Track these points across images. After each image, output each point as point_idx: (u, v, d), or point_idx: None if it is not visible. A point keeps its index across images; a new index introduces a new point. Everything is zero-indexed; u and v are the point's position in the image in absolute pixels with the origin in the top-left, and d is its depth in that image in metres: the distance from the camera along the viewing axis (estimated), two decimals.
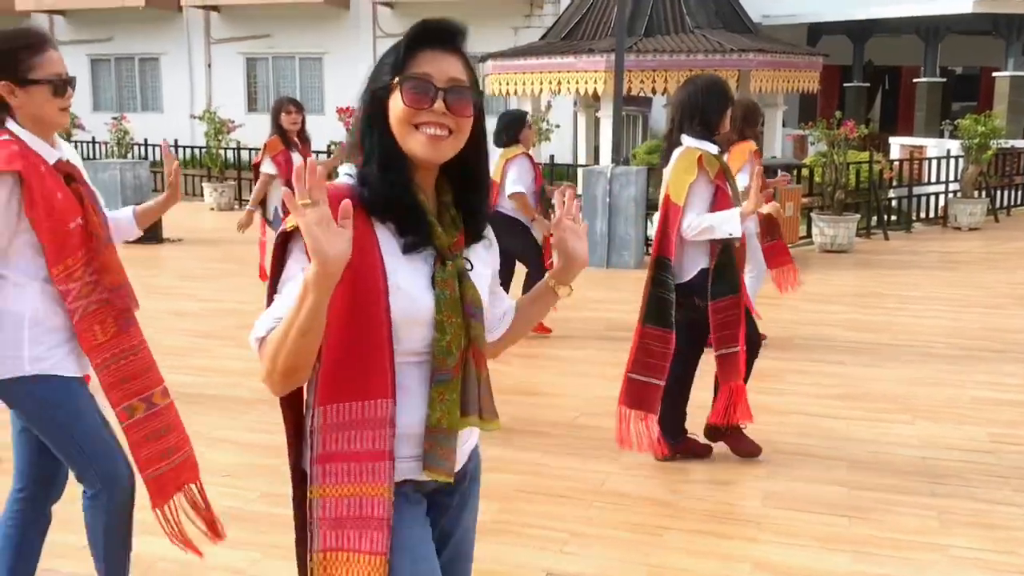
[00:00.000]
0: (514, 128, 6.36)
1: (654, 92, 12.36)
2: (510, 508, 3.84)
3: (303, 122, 6.75)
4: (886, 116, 22.47)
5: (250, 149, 15.67)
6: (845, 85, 19.87)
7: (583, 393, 5.43)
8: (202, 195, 15.90)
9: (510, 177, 6.22)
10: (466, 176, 1.69)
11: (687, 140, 4.05)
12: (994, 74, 17.91)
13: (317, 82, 22.89)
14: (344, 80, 21.99)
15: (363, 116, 1.64)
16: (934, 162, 12.92)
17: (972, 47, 20.02)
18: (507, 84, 13.10)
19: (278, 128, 6.66)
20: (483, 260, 1.78)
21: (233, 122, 15.55)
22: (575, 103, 15.96)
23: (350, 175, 1.66)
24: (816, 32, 19.11)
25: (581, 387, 5.56)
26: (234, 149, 15.75)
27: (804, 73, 13.04)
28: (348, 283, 1.50)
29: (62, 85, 2.46)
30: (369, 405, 1.57)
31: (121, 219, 2.79)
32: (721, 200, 4.00)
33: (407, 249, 1.60)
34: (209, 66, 23.55)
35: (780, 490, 4.04)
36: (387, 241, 1.60)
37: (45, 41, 2.46)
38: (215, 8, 22.92)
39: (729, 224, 3.93)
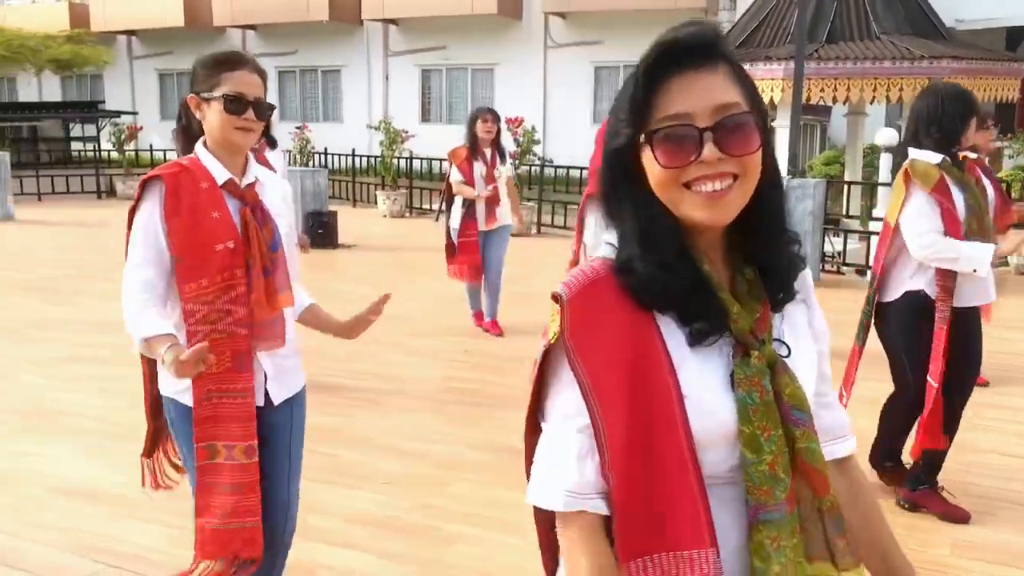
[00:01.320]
0: None
1: (835, 101, 11.75)
2: None
3: (498, 132, 6.87)
4: None
5: (422, 159, 16.08)
6: None
7: None
8: (375, 203, 16.40)
9: None
10: (761, 222, 1.23)
11: (912, 152, 3.72)
12: None
13: (488, 92, 23.23)
14: (515, 90, 22.24)
15: (606, 179, 1.23)
16: None
17: None
18: None
19: (472, 136, 6.81)
20: (802, 330, 1.32)
21: (407, 132, 15.96)
22: None
23: (612, 245, 1.24)
24: (1016, 36, 17.72)
25: None
26: (407, 158, 16.15)
27: (1002, 80, 12.06)
28: (626, 395, 1.14)
29: (236, 102, 2.37)
30: (683, 558, 1.13)
31: (299, 294, 2.66)
32: (945, 219, 3.60)
33: (695, 340, 1.18)
34: (386, 78, 24.36)
35: (973, 539, 3.66)
36: (671, 333, 1.18)
37: (238, 62, 2.41)
38: (393, 21, 23.71)
39: (977, 261, 3.52)
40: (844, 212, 11.35)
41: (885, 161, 12.04)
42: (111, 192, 19.24)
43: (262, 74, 2.45)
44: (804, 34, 9.81)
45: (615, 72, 22.09)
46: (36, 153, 21.44)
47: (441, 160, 16.36)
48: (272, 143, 5.39)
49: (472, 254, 6.87)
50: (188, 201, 2.34)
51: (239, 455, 2.39)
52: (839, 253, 10.33)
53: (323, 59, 25.03)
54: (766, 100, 11.83)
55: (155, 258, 2.34)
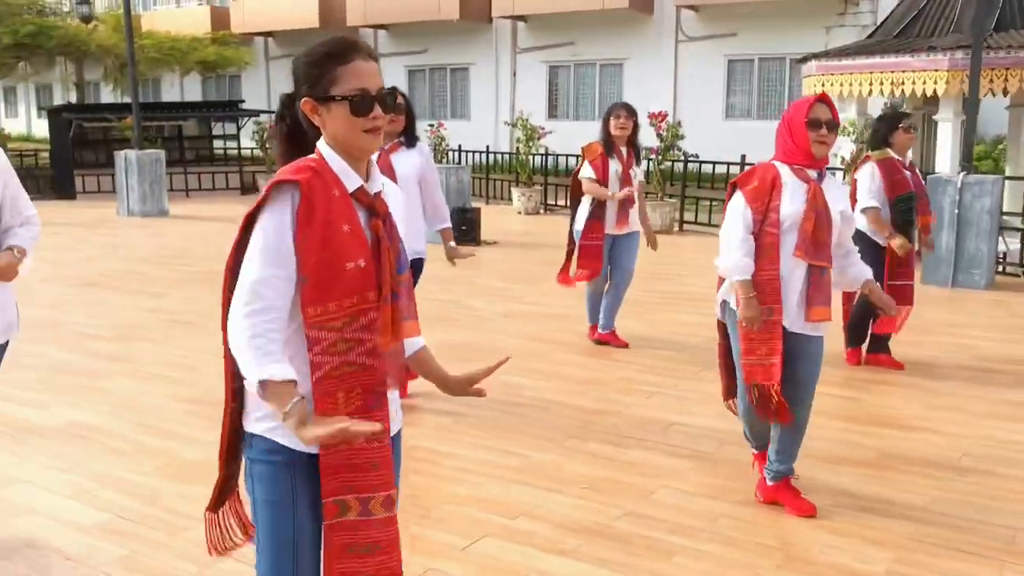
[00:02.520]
0: (883, 128, 5.87)
1: (1005, 93, 11.08)
2: (907, 559, 3.42)
3: (634, 129, 6.46)
4: None
5: (556, 155, 16.00)
6: None
7: (962, 431, 4.83)
8: (509, 199, 16.41)
9: (860, 188, 5.75)
10: None
11: None
12: None
13: (616, 88, 22.99)
14: (644, 86, 21.93)
15: None
16: None
17: None
18: (830, 86, 12.32)
19: (605, 134, 6.43)
20: None
21: (543, 128, 15.90)
22: (887, 104, 14.76)
23: None
24: None
25: (957, 423, 4.96)
26: (542, 155, 16.10)
27: None
28: None
29: (361, 101, 2.01)
30: None
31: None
32: None
33: None
34: (514, 74, 24.40)
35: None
36: None
37: (351, 50, 2.04)
38: (523, 18, 23.72)
39: None
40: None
41: None
42: (254, 188, 19.89)
43: (376, 58, 2.10)
44: (981, 22, 9.26)
45: (749, 65, 21.53)
46: (181, 151, 22.32)
47: (570, 156, 16.29)
48: (412, 140, 5.14)
49: (595, 260, 6.37)
50: (322, 211, 1.98)
51: (377, 508, 2.03)
52: (1007, 254, 9.75)
53: (452, 57, 25.27)
54: (928, 92, 11.26)
55: (283, 276, 1.96)
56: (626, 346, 6.52)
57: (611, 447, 4.59)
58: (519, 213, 15.77)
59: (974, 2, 10.23)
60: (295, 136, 2.14)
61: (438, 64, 25.66)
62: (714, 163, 13.56)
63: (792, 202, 3.57)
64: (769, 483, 3.88)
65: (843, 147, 11.50)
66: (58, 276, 9.47)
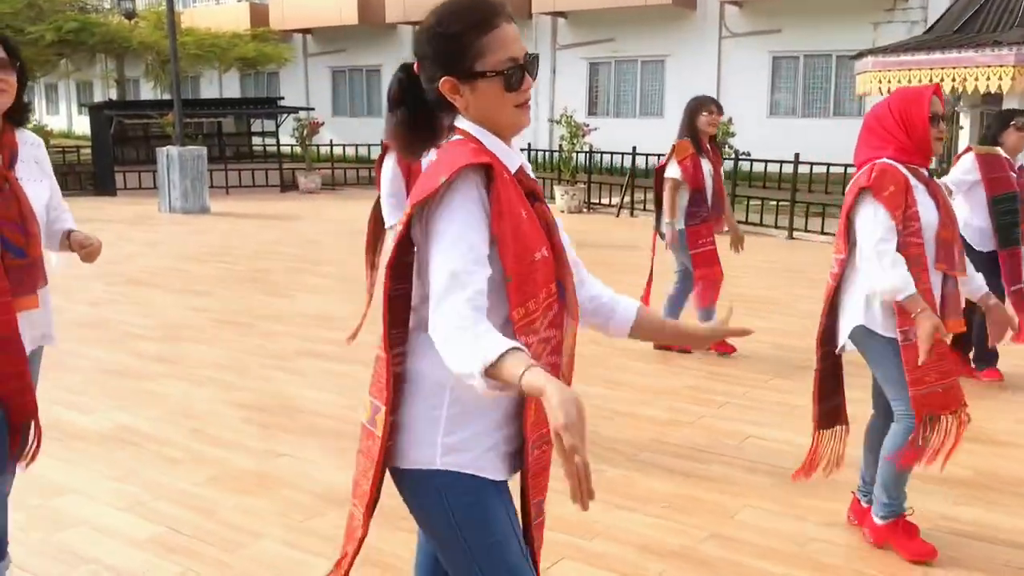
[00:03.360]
0: (994, 126, 5.50)
1: None
2: None
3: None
4: None
5: (602, 152, 15.73)
6: None
7: None
8: (552, 198, 16.18)
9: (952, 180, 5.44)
10: None
11: None
12: None
13: (658, 85, 22.67)
14: (686, 82, 21.57)
15: None
16: None
17: None
18: (886, 82, 11.95)
19: (692, 130, 6.06)
20: None
21: (588, 126, 15.64)
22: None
23: None
24: None
25: None
26: (587, 152, 15.85)
27: None
28: None
29: (515, 73, 1.73)
30: None
31: None
32: None
33: None
34: (554, 71, 24.12)
35: None
36: None
37: (494, 12, 1.74)
38: (563, 14, 23.45)
39: None
40: None
41: None
42: (293, 186, 19.81)
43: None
44: None
45: (794, 62, 21.11)
46: (221, 148, 22.35)
47: (614, 154, 16.01)
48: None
49: (714, 264, 6.02)
50: (506, 198, 1.73)
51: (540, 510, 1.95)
52: None
53: None
54: (992, 88, 10.86)
55: (483, 274, 1.68)
56: (689, 351, 6.23)
57: (687, 461, 4.34)
58: (562, 212, 15.52)
59: None
60: (424, 120, 1.82)
61: None
62: (766, 161, 13.23)
63: (926, 209, 3.22)
64: (880, 522, 3.43)
65: None
66: (101, 273, 9.36)
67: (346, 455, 4.38)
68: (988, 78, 10.79)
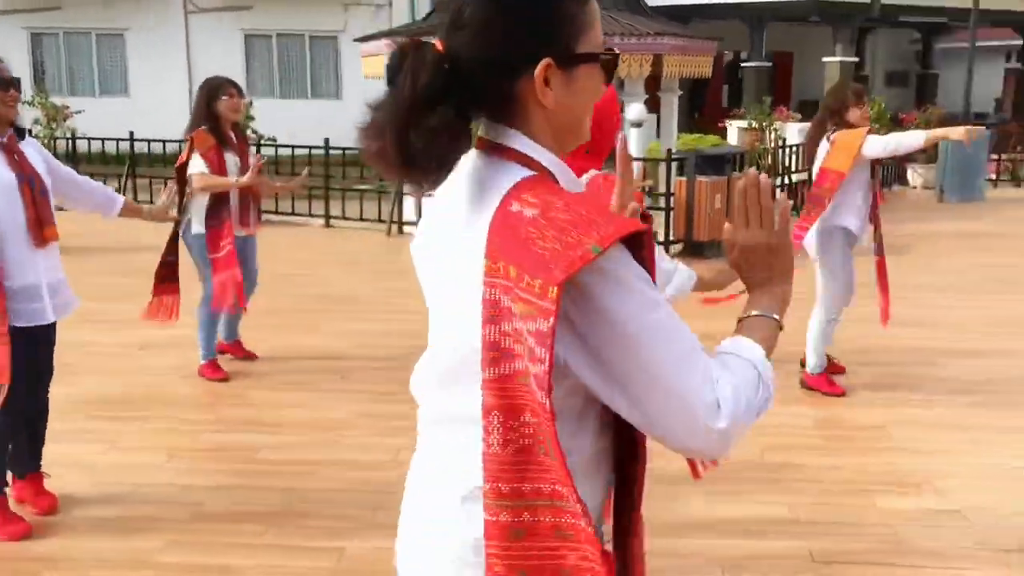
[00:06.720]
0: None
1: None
2: None
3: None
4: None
5: (90, 139, 13.68)
6: None
7: None
8: None
9: None
10: None
11: None
12: (824, 59, 19.11)
13: (119, 61, 20.45)
14: (153, 60, 19.81)
15: None
16: None
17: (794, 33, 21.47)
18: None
19: (210, 118, 5.19)
20: None
21: (68, 108, 13.48)
22: None
23: None
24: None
25: None
26: (68, 139, 13.64)
27: (702, 58, 13.02)
28: None
29: (614, 60, 1.28)
30: None
31: None
32: None
33: None
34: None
35: None
36: None
37: None
38: None
39: None
40: None
41: None
42: None
43: None
44: None
45: (267, 41, 20.69)
46: None
47: (106, 140, 14.06)
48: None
49: (233, 267, 5.21)
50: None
51: None
52: None
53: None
54: None
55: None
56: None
57: None
58: None
59: None
60: (459, 131, 1.20)
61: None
62: (293, 147, 12.68)
63: None
64: None
65: None
66: None
67: None
68: None
